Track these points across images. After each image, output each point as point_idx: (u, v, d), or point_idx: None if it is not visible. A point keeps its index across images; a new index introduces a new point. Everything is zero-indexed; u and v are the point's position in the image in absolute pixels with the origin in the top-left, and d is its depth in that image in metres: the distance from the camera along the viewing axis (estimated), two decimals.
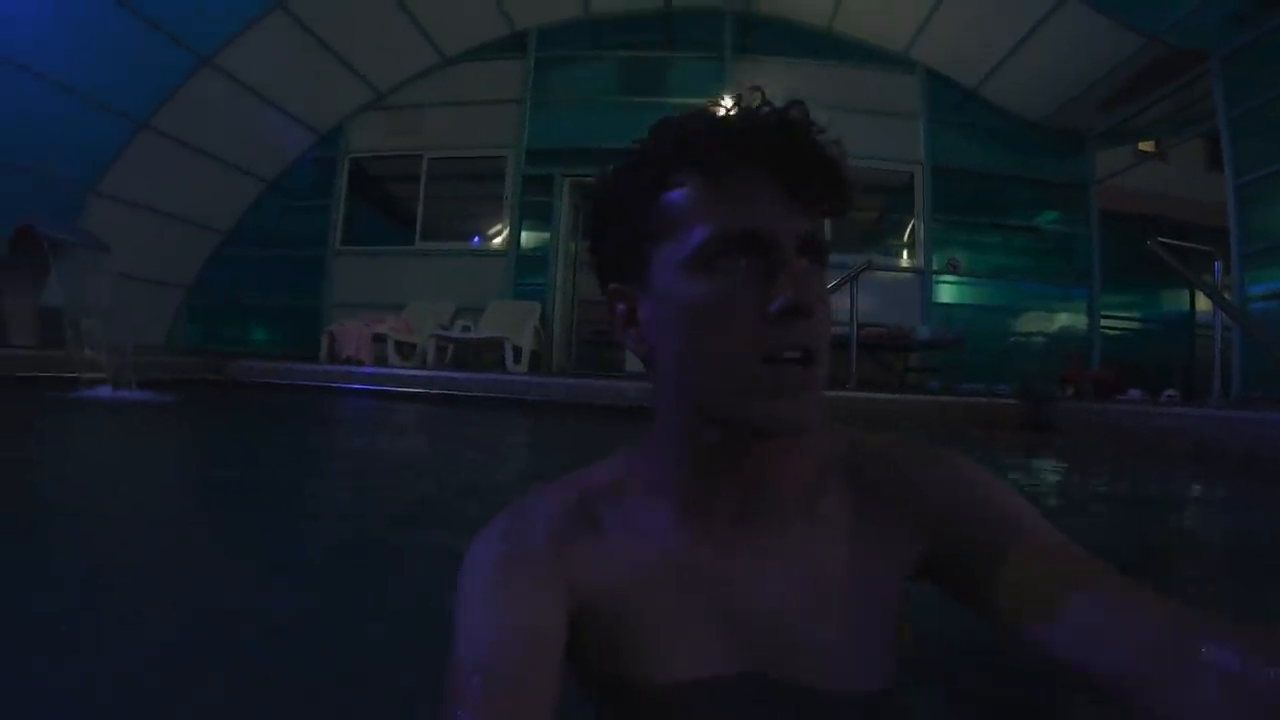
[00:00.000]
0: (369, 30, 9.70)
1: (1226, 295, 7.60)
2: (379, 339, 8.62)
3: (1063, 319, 10.20)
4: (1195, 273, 6.68)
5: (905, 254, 10.24)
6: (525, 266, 10.22)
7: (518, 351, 8.64)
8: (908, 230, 10.25)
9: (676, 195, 0.68)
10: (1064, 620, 0.60)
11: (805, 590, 0.72)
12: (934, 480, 0.74)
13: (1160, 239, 6.81)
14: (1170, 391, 7.44)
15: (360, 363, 8.26)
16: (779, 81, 10.02)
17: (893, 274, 9.83)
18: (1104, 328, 10.21)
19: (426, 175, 10.56)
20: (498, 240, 10.49)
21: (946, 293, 10.00)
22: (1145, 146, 11.77)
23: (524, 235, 10.34)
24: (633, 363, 9.78)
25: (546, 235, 10.30)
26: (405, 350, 9.01)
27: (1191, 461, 4.85)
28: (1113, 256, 10.08)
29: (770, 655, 0.71)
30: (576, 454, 4.15)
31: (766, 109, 0.67)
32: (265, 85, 9.62)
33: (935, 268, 9.87)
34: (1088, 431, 6.73)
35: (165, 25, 8.11)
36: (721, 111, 0.69)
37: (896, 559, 0.74)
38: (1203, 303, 10.81)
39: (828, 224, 0.75)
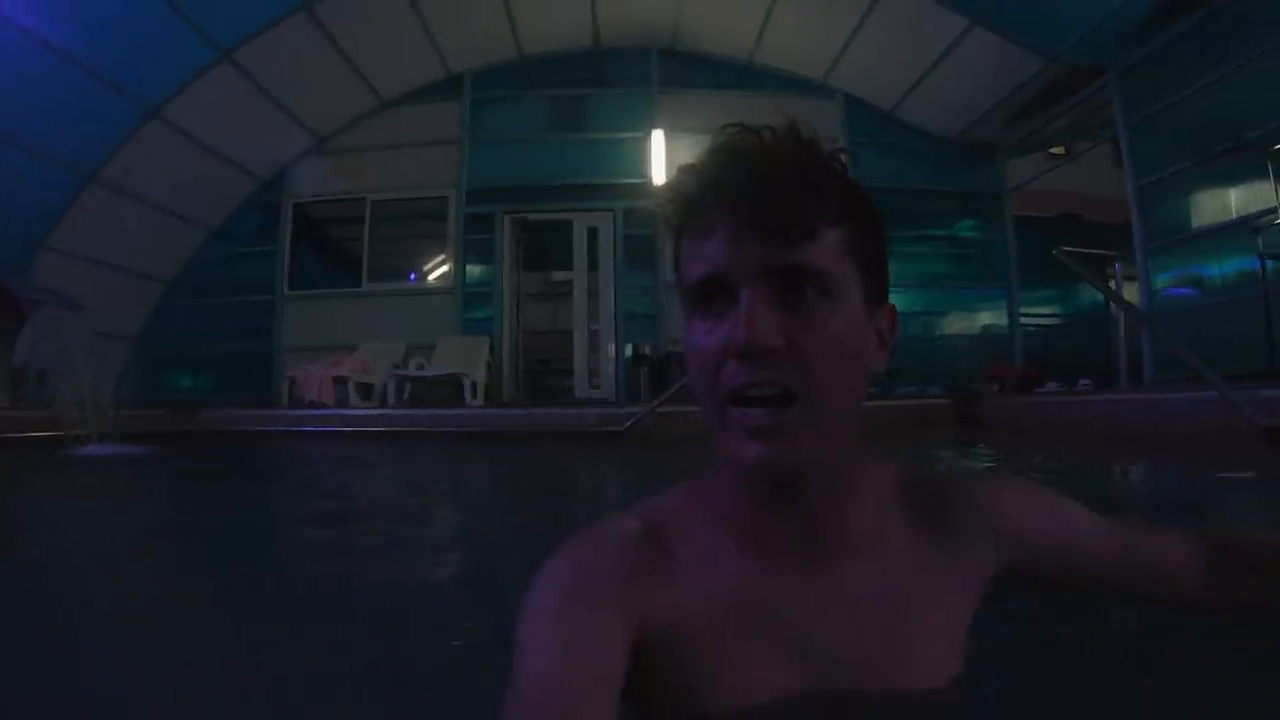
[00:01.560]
0: (308, 76, 10.11)
1: (1133, 288, 8.64)
2: (339, 381, 9.08)
3: (985, 319, 11.16)
4: (1096, 276, 7.59)
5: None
6: (471, 302, 10.77)
7: (475, 385, 9.22)
8: None
9: (683, 244, 0.72)
10: (1154, 572, 0.81)
11: (874, 619, 0.75)
12: (999, 501, 0.82)
13: (1065, 248, 7.74)
14: (1085, 381, 8.33)
15: (324, 405, 8.74)
16: (702, 113, 10.72)
17: None
18: (1024, 325, 11.14)
19: (370, 217, 11.03)
20: (443, 278, 11.02)
21: None
22: (1056, 151, 12.82)
23: (468, 272, 10.88)
24: (581, 389, 10.45)
25: (490, 271, 10.86)
26: (363, 390, 9.47)
27: (1103, 440, 5.78)
28: (1030, 258, 11.01)
29: (839, 684, 0.73)
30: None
31: (739, 146, 0.70)
32: (209, 134, 9.94)
33: None
34: (1013, 423, 7.59)
35: (113, 78, 8.45)
36: (706, 158, 0.72)
37: (971, 579, 0.80)
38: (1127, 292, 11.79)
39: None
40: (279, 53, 9.52)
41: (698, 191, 0.70)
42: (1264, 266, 6.95)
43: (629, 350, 10.09)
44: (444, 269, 11.08)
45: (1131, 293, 8.81)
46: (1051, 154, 12.40)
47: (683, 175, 0.72)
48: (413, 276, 11.23)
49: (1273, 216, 6.84)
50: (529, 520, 3.28)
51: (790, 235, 0.65)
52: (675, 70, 11.28)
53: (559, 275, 11.32)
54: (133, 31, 8.14)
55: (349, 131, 11.31)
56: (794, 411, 0.66)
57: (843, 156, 0.73)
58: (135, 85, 8.80)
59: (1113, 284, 8.92)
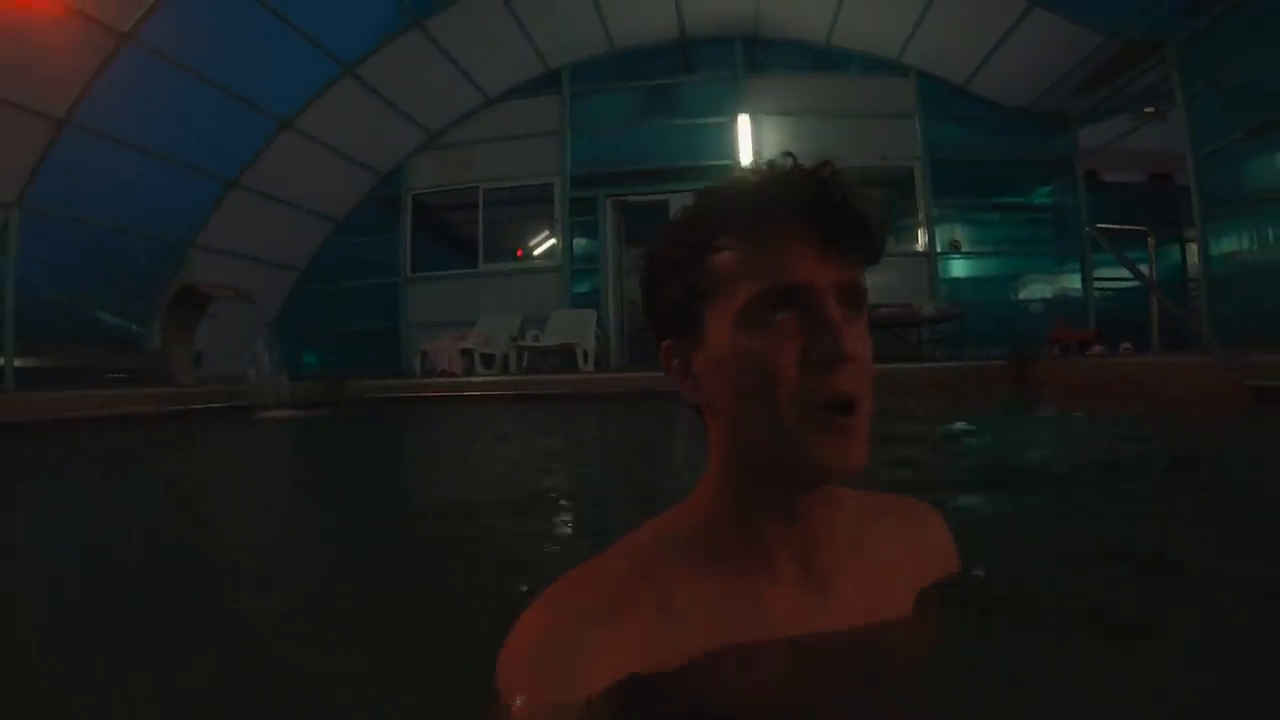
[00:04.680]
0: (420, 81, 11.66)
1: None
2: (465, 353, 10.69)
3: (1058, 285, 12.05)
4: (1119, 249, 8.59)
5: (916, 237, 12.08)
6: (578, 277, 12.28)
7: (585, 353, 10.75)
8: (915, 217, 12.09)
9: (724, 256, 0.78)
10: None
11: (866, 619, 0.83)
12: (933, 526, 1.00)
13: (1098, 225, 8.85)
14: (1125, 345, 9.16)
15: (453, 374, 10.37)
16: (785, 96, 12.09)
17: (903, 258, 11.79)
18: (1098, 290, 12.00)
19: (483, 204, 12.59)
20: (552, 256, 12.57)
21: (952, 270, 11.91)
22: (1149, 111, 13.39)
23: (574, 251, 12.36)
24: None
25: (594, 249, 12.37)
26: (486, 360, 10.98)
27: (1124, 397, 6.55)
28: (1111, 222, 11.90)
29: (832, 689, 0.79)
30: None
31: (797, 170, 0.78)
32: (335, 138, 11.61)
33: (940, 249, 11.80)
34: (1061, 382, 8.63)
35: (251, 97, 10.13)
36: (757, 176, 0.80)
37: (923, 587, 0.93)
38: (1192, 258, 12.53)
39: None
40: (394, 63, 11.10)
41: (778, 203, 0.76)
42: None
43: None
44: (553, 249, 12.63)
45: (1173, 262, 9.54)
46: (1145, 113, 13.12)
47: (734, 187, 0.82)
48: (522, 254, 12.83)
49: None
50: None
51: (870, 258, 0.77)
52: (758, 56, 12.43)
53: None
54: (266, 54, 9.81)
55: (459, 127, 12.86)
56: (864, 417, 0.75)
57: None
58: (270, 102, 10.46)
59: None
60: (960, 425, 5.46)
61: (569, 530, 2.34)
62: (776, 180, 0.78)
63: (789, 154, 0.82)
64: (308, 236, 12.94)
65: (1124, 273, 13.14)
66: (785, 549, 0.81)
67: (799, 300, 0.74)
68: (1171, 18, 9.24)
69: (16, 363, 7.83)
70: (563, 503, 2.91)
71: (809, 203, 0.75)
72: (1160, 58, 9.88)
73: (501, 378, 10.36)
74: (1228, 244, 9.26)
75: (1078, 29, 10.00)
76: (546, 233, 12.78)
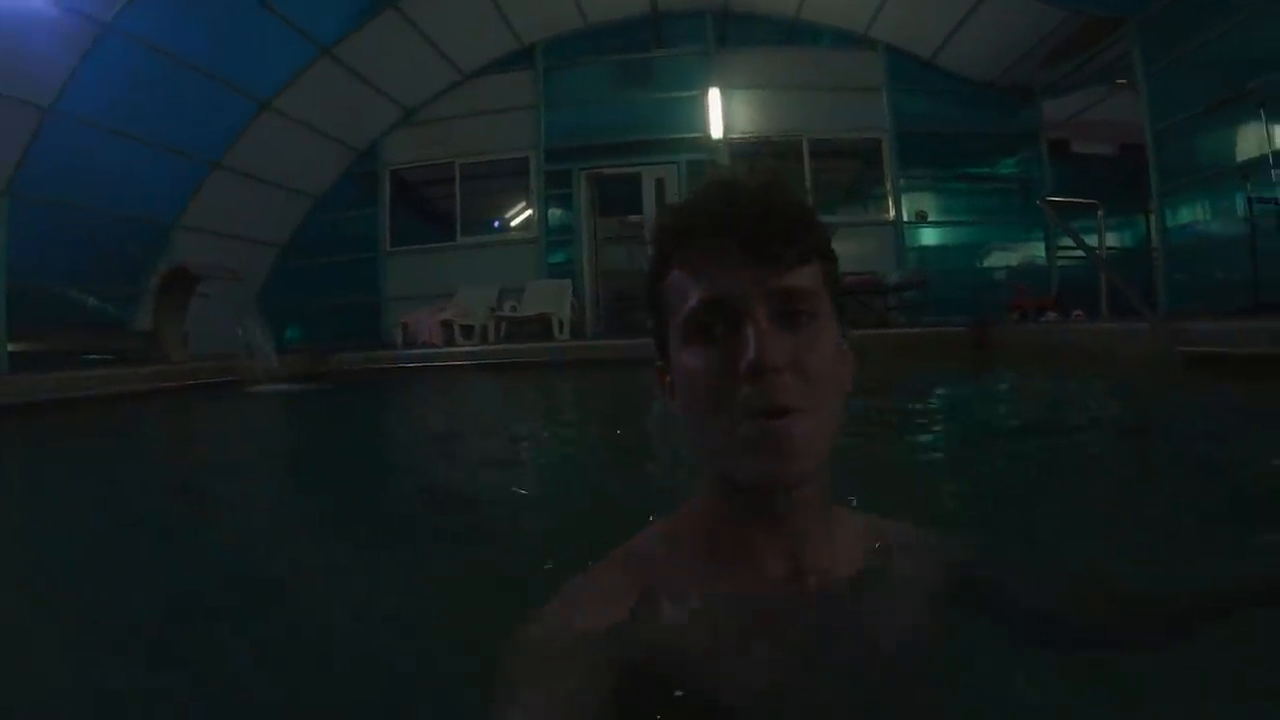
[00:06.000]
0: (397, 59, 11.93)
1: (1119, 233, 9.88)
2: (445, 325, 11.14)
3: (1022, 254, 12.55)
4: (1068, 222, 9.04)
5: (884, 207, 12.48)
6: (553, 249, 12.70)
7: (561, 323, 11.22)
8: (883, 187, 12.53)
9: (669, 277, 0.81)
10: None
11: (857, 624, 0.83)
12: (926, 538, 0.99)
13: (1049, 198, 9.33)
14: (1077, 312, 9.63)
15: (434, 345, 10.85)
16: (755, 70, 12.46)
17: (871, 227, 12.24)
18: (1060, 258, 12.44)
19: (460, 178, 12.97)
20: (528, 229, 13.00)
21: (919, 239, 12.38)
22: (1121, 82, 13.78)
23: (549, 223, 12.79)
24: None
25: (569, 220, 12.77)
26: (465, 331, 11.37)
27: (1070, 360, 7.03)
28: (1075, 193, 12.33)
29: (831, 684, 0.79)
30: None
31: (729, 185, 0.79)
32: (314, 118, 11.90)
33: (907, 218, 12.27)
34: (1016, 346, 9.11)
35: (232, 79, 10.40)
36: (699, 196, 0.81)
37: (931, 591, 0.92)
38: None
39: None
40: (371, 42, 11.37)
41: (695, 223, 0.78)
42: (1251, 209, 7.75)
43: None
44: (528, 221, 13.08)
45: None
46: (1118, 84, 12.81)
47: (676, 209, 0.82)
48: (499, 227, 13.36)
49: (1264, 163, 7.68)
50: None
51: (788, 259, 0.75)
52: (729, 30, 12.78)
53: (633, 218, 13.02)
54: (246, 38, 10.05)
55: (435, 103, 13.17)
56: (801, 425, 0.73)
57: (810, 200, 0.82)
58: (250, 84, 10.74)
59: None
60: (909, 387, 5.92)
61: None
62: (709, 194, 0.80)
63: (715, 163, 1.08)
64: (288, 214, 13.24)
65: (1090, 241, 13.72)
66: (773, 554, 0.82)
67: (726, 314, 0.75)
68: None
69: (9, 347, 8.05)
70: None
71: (731, 214, 0.76)
72: (1123, 33, 10.20)
73: (481, 347, 10.83)
74: (1184, 215, 9.75)
75: (1042, 5, 10.35)
76: (522, 205, 13.19)
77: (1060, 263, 12.47)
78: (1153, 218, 10.36)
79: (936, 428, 3.92)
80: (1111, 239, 13.17)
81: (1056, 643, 0.99)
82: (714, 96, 12.18)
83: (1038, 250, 12.61)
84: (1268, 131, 7.73)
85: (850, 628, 0.82)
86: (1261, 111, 7.71)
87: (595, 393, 7.42)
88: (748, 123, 12.53)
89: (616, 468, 3.38)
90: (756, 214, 0.76)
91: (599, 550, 0.88)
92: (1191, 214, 9.64)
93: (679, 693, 0.74)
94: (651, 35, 13.00)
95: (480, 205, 13.40)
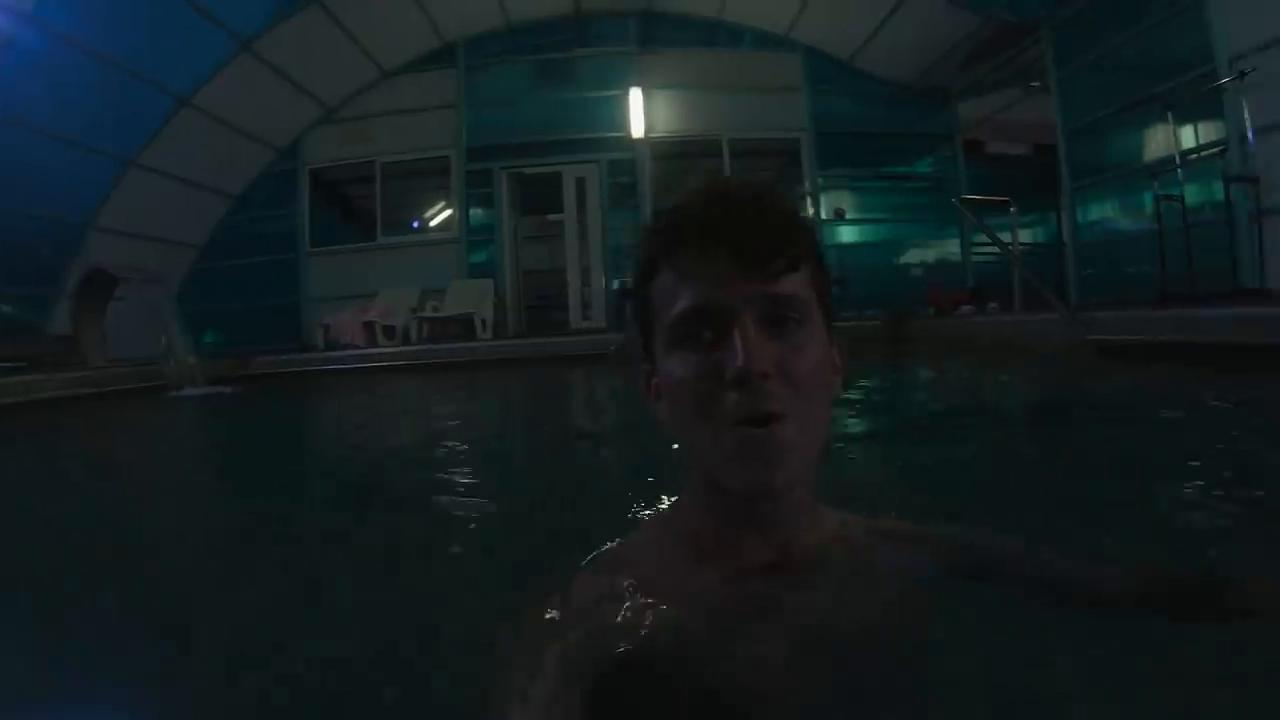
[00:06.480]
0: (318, 55, 11.74)
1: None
2: (368, 326, 11.02)
3: (938, 250, 12.93)
4: (983, 221, 9.40)
5: (803, 206, 12.60)
6: (474, 249, 12.65)
7: (483, 322, 11.22)
8: (801, 186, 12.71)
9: (659, 283, 0.81)
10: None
11: (844, 622, 0.83)
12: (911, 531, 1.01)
13: (964, 196, 9.65)
14: (992, 305, 9.91)
15: (357, 346, 10.77)
16: (678, 70, 12.58)
17: None
18: (975, 254, 12.80)
19: (381, 177, 12.82)
20: (449, 228, 12.91)
21: (837, 237, 12.63)
22: (1035, 85, 14.20)
23: (471, 222, 12.73)
24: (575, 320, 12.47)
25: (491, 220, 12.73)
26: (388, 332, 11.30)
27: (984, 351, 7.40)
28: (990, 191, 12.74)
29: (818, 683, 0.79)
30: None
31: (720, 191, 0.80)
32: (233, 115, 11.62)
33: (825, 217, 12.49)
34: (930, 339, 9.40)
35: (149, 75, 10.11)
36: (685, 199, 0.81)
37: (924, 589, 0.92)
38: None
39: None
40: (293, 39, 11.17)
41: (685, 228, 0.78)
42: (1159, 206, 8.01)
43: (616, 284, 11.97)
44: (450, 220, 13.00)
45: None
46: (1031, 86, 13.50)
47: (667, 213, 0.82)
48: (419, 226, 13.27)
49: (1170, 162, 7.98)
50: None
51: (776, 266, 0.75)
52: (652, 30, 12.90)
53: (554, 217, 13.11)
54: (165, 32, 9.77)
55: (356, 101, 13.01)
56: (787, 432, 0.74)
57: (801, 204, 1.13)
58: (169, 79, 10.47)
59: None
60: None
61: None
62: (696, 203, 0.80)
63: (719, 171, 1.06)
64: (206, 213, 12.93)
65: (1004, 237, 14.16)
66: (760, 555, 0.82)
67: (714, 320, 0.76)
68: (1050, 2, 9.89)
69: None
70: None
71: (720, 222, 0.77)
72: (1037, 38, 10.55)
73: (404, 348, 10.79)
74: (1094, 212, 10.17)
75: (957, 10, 10.67)
76: (444, 204, 13.11)
77: (975, 258, 12.84)
78: (1063, 214, 10.73)
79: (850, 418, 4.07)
80: (1025, 235, 13.68)
81: (1071, 602, 0.97)
82: (635, 96, 12.29)
83: (953, 247, 12.99)
84: (1174, 133, 8.03)
85: (837, 619, 0.82)
86: (1169, 114, 8.00)
87: (517, 392, 7.51)
88: (669, 122, 12.66)
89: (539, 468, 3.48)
90: (747, 221, 0.76)
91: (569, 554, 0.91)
92: (1101, 211, 10.05)
93: (670, 688, 0.74)
94: (574, 35, 13.08)
95: (402, 205, 13.28)
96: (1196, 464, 2.33)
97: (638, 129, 12.31)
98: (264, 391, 8.80)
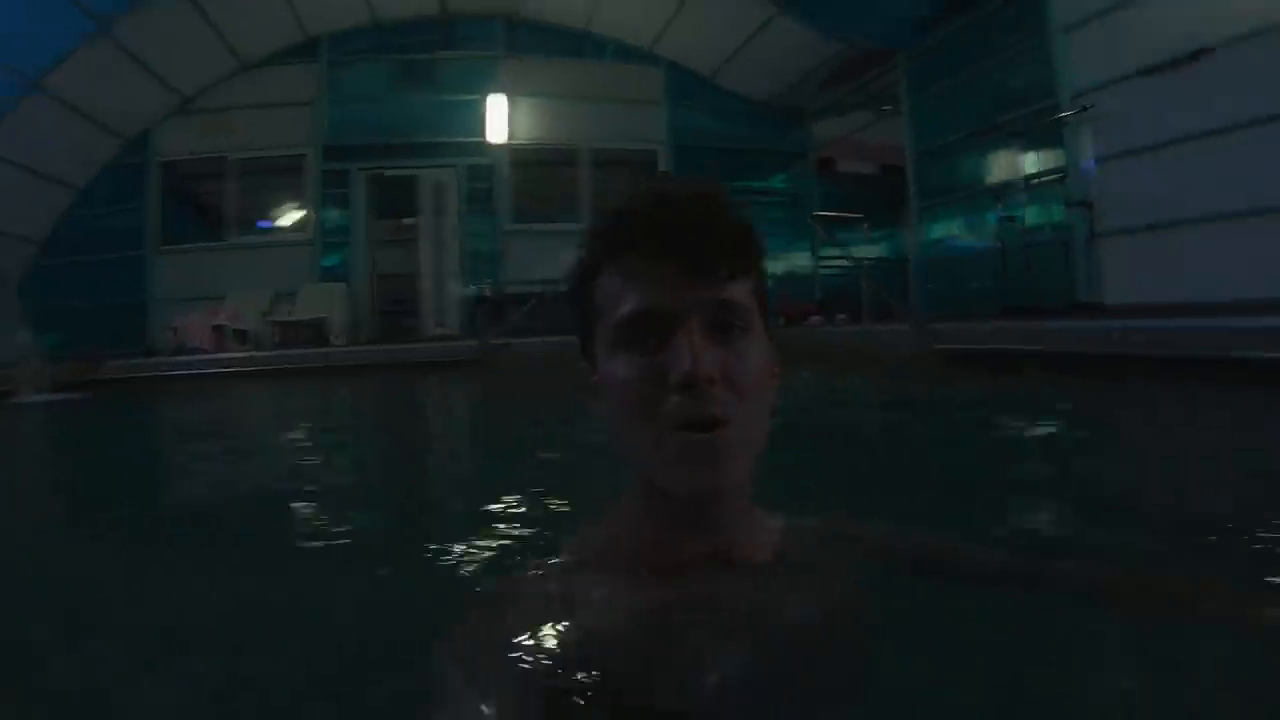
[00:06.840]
0: (175, 41, 11.28)
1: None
2: (217, 329, 10.83)
3: (789, 263, 13.61)
4: (836, 236, 10.05)
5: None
6: (328, 251, 12.54)
7: (336, 328, 11.16)
8: None
9: (602, 284, 0.82)
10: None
11: (782, 621, 0.84)
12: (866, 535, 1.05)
13: (817, 213, 10.23)
14: (841, 316, 10.70)
15: (206, 351, 10.53)
16: (543, 78, 12.81)
17: None
18: (824, 268, 13.66)
19: (234, 174, 12.54)
20: (303, 230, 12.70)
21: None
22: (887, 108, 14.94)
23: (325, 224, 12.60)
24: (428, 327, 12.49)
25: (346, 217, 12.63)
26: (239, 336, 11.11)
27: (833, 359, 7.79)
28: (840, 207, 13.34)
29: (757, 683, 0.79)
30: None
31: (668, 194, 0.80)
32: (82, 101, 11.09)
33: None
34: (781, 348, 9.83)
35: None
36: (634, 202, 0.82)
37: (848, 585, 0.93)
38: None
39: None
40: (152, 23, 10.73)
41: (632, 230, 0.79)
42: (1000, 225, 8.90)
43: (472, 290, 12.06)
44: (304, 221, 12.77)
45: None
46: (883, 110, 13.67)
47: (610, 214, 0.83)
48: (271, 226, 12.99)
49: (1013, 186, 8.87)
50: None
51: (724, 273, 0.77)
52: (518, 37, 13.04)
53: (410, 221, 13.07)
54: (18, 10, 9.27)
55: (212, 92, 12.61)
56: (731, 436, 0.75)
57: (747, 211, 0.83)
58: (20, 60, 9.93)
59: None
60: None
61: None
62: (643, 205, 0.81)
63: (665, 172, 1.10)
64: (46, 206, 12.26)
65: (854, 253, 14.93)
66: (697, 555, 0.83)
67: (660, 324, 0.76)
68: (906, 31, 10.56)
69: None
70: None
71: (669, 226, 0.77)
72: (892, 65, 11.28)
73: (256, 354, 10.58)
74: (938, 230, 10.86)
75: (816, 36, 11.24)
76: (298, 204, 12.89)
77: (823, 272, 13.66)
78: (909, 231, 11.40)
79: None
80: (874, 250, 14.51)
81: (1008, 584, 1.02)
82: (497, 102, 12.45)
83: (803, 260, 13.76)
84: (1017, 158, 8.87)
85: (779, 619, 0.84)
86: (1014, 141, 8.80)
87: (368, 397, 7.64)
88: (529, 129, 12.87)
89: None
90: (696, 226, 0.77)
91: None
92: (947, 229, 10.75)
93: (610, 693, 0.74)
94: (439, 37, 13.11)
95: (255, 203, 12.96)
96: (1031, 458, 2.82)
97: (498, 135, 12.48)
98: (115, 398, 8.49)
